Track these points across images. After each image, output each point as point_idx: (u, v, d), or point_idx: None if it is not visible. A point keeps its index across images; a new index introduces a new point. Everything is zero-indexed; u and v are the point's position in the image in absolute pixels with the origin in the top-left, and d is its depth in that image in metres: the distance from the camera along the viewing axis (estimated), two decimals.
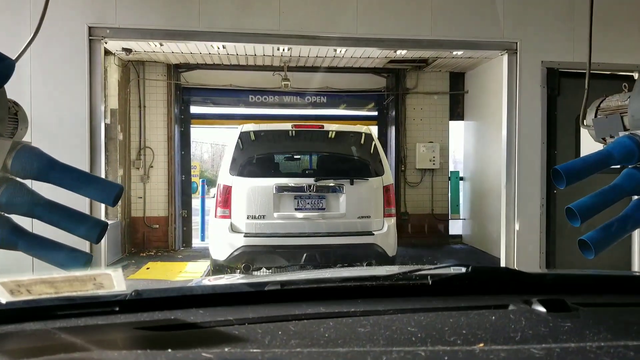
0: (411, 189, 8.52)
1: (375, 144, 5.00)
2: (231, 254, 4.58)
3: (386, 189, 4.90)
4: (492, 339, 0.77)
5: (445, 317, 0.87)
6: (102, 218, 7.32)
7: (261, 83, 8.53)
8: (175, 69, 8.19)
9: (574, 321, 0.85)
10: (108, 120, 7.52)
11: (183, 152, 8.67)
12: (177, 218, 8.35)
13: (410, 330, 0.81)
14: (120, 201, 7.66)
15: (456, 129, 8.81)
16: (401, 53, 6.96)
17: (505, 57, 4.21)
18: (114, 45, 6.91)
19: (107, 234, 6.94)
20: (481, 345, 0.74)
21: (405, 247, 8.19)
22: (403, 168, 8.49)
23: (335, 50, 6.89)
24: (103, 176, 7.39)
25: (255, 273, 4.67)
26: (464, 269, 1.05)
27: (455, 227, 8.78)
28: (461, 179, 8.75)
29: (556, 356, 0.69)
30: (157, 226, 8.11)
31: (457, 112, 8.72)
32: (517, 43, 4.19)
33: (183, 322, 0.85)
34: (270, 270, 4.84)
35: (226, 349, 0.73)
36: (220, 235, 4.73)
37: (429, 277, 1.03)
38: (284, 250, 4.64)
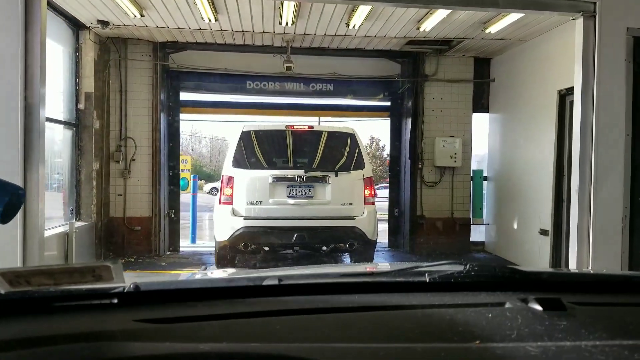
0: (429, 189, 7.52)
1: (358, 142, 5.82)
2: (233, 234, 5.41)
3: (366, 180, 5.68)
4: (488, 336, 0.78)
5: (442, 313, 0.88)
6: (73, 220, 6.36)
7: (260, 67, 7.50)
8: (162, 49, 7.16)
9: (570, 320, 0.85)
10: (82, 106, 6.50)
11: (171, 144, 7.65)
12: (163, 219, 7.34)
13: (407, 327, 0.82)
14: (94, 199, 6.67)
15: (480, 122, 7.81)
16: (425, 29, 5.94)
17: (579, 22, 3.20)
18: (88, 17, 5.88)
19: (78, 236, 5.92)
20: (477, 342, 0.74)
21: (421, 255, 7.22)
22: (420, 165, 7.49)
23: (348, 25, 5.86)
24: (67, 171, 6.47)
25: (253, 269, 5.39)
26: (461, 266, 1.05)
27: (478, 233, 7.80)
28: (485, 178, 7.75)
29: (551, 354, 0.70)
30: (139, 228, 7.10)
31: (481, 103, 7.72)
32: (595, 3, 3.18)
33: (182, 316, 0.85)
34: (267, 248, 5.66)
35: (224, 343, 0.74)
36: (223, 218, 5.57)
37: (426, 274, 1.03)
38: (277, 231, 5.45)
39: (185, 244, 8.84)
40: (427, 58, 7.44)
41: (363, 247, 5.58)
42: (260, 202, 5.48)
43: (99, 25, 6.10)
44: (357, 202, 5.58)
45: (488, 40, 6.60)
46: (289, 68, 6.77)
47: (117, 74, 7.01)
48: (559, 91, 5.86)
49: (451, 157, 7.39)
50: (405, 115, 7.77)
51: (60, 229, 5.65)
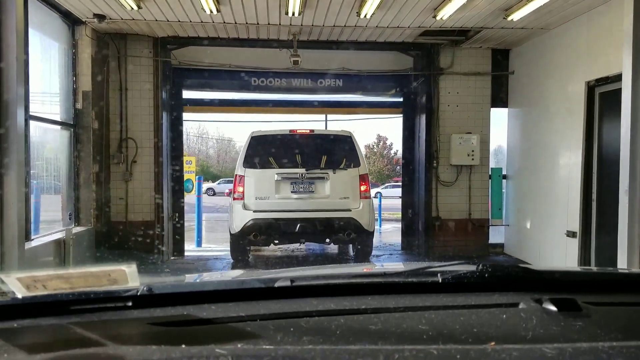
0: (445, 188, 7.12)
1: (354, 144, 6.39)
2: (244, 225, 6.04)
3: (362, 177, 6.23)
4: (503, 337, 0.77)
5: (456, 315, 0.87)
6: (70, 226, 6.04)
7: (266, 63, 7.15)
8: (163, 45, 6.83)
9: (586, 320, 0.84)
10: (79, 105, 6.19)
11: (174, 144, 7.33)
12: (166, 222, 7.02)
13: (421, 329, 0.81)
14: (94, 203, 6.36)
15: (498, 117, 7.39)
16: (442, 17, 5.54)
17: (628, 0, 2.79)
18: (84, 10, 5.57)
19: (77, 243, 5.59)
20: (492, 344, 0.74)
21: (436, 258, 6.82)
22: (435, 164, 7.09)
23: (359, 15, 5.48)
24: (65, 174, 6.14)
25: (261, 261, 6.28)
26: (473, 267, 1.04)
27: (497, 235, 7.39)
28: (504, 177, 7.33)
29: (568, 356, 0.69)
30: (142, 233, 6.78)
31: (499, 97, 7.29)
32: None
33: (196, 318, 0.85)
34: (275, 239, 6.30)
35: (239, 345, 0.74)
36: (236, 212, 6.20)
37: (439, 274, 1.02)
38: (283, 222, 6.03)
39: (190, 248, 8.53)
40: (442, 50, 7.03)
41: (359, 236, 6.16)
42: (268, 197, 6.11)
43: (95, 20, 5.78)
44: (353, 196, 6.15)
45: (508, 29, 6.18)
46: (296, 62, 6.41)
47: (116, 72, 6.69)
48: (588, 82, 5.43)
49: (468, 155, 6.98)
50: (419, 111, 7.38)
51: (57, 235, 5.34)
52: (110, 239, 6.58)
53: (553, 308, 0.87)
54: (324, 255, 7.42)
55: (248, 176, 6.14)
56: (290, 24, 5.99)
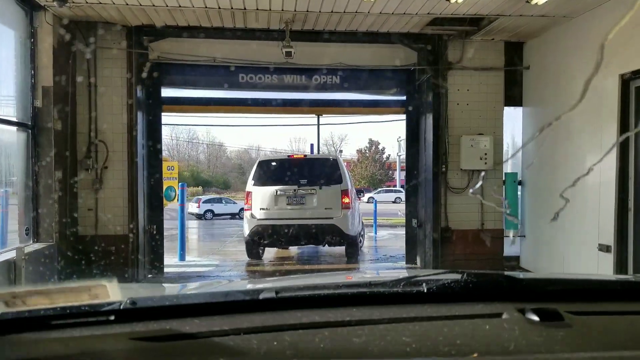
0: (455, 196, 6.40)
1: (339, 165, 7.87)
2: (250, 230, 7.62)
3: (343, 192, 7.62)
4: (486, 349, 0.78)
5: (439, 326, 0.89)
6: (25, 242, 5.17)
7: (255, 57, 6.40)
8: (138, 35, 6.04)
9: (568, 330, 0.86)
10: (39, 103, 5.37)
11: (152, 148, 6.52)
12: (142, 236, 6.20)
13: (404, 341, 0.82)
14: (56, 215, 5.52)
15: (512, 117, 6.71)
16: (457, 0, 4.84)
17: None
18: None
19: (33, 263, 4.71)
20: (475, 355, 0.75)
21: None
22: (444, 169, 6.38)
23: None
24: (21, 182, 5.25)
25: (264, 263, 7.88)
26: (459, 275, 1.05)
27: (512, 247, 6.68)
28: (519, 183, 6.65)
29: None
30: (114, 248, 5.95)
31: (513, 94, 6.62)
32: None
33: (179, 333, 0.85)
34: (280, 242, 7.84)
35: None
36: (246, 220, 7.81)
37: (423, 284, 1.03)
38: (279, 227, 7.43)
39: (172, 262, 7.71)
40: (450, 43, 6.34)
41: (341, 237, 7.61)
42: (269, 208, 7.61)
43: (55, 4, 4.98)
44: (336, 207, 7.56)
45: (527, 18, 5.51)
46: (288, 54, 5.67)
47: (83, 65, 5.89)
48: (622, 75, 4.77)
49: (481, 158, 6.28)
50: (424, 110, 6.67)
51: (6, 256, 4.50)
52: (76, 256, 5.72)
53: (535, 318, 0.88)
54: (312, 247, 8.91)
55: (255, 192, 7.71)
56: (282, 9, 5.25)
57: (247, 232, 7.69)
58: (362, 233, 8.75)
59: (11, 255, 4.48)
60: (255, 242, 7.76)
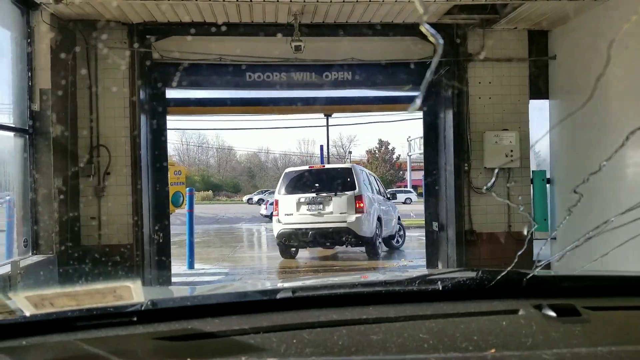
0: (479, 197, 5.99)
1: (353, 174, 9.02)
2: (279, 232, 8.97)
3: (357, 197, 8.71)
4: (503, 344, 0.78)
5: (456, 323, 0.89)
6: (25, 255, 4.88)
7: (263, 53, 6.07)
8: (141, 34, 5.75)
9: (585, 326, 0.85)
10: (36, 106, 5.09)
11: (157, 152, 6.22)
12: (148, 244, 5.89)
13: (422, 337, 0.82)
14: (57, 225, 5.23)
15: (538, 110, 6.28)
16: None
17: None
18: None
19: (32, 276, 4.39)
20: (493, 350, 0.75)
21: None
22: (466, 167, 5.97)
23: None
24: (19, 191, 4.94)
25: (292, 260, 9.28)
26: (473, 273, 1.07)
27: (542, 250, 6.22)
28: (548, 181, 6.20)
29: None
30: (118, 258, 5.64)
31: (538, 86, 6.19)
32: None
33: (200, 332, 0.87)
34: (303, 243, 9.07)
35: (243, 358, 0.75)
36: (274, 224, 9.24)
37: (439, 282, 1.04)
38: (301, 231, 8.68)
39: (180, 272, 7.41)
40: (469, 33, 5.94)
41: (354, 238, 8.60)
42: (292, 213, 8.83)
43: (52, 1, 4.70)
44: (350, 211, 8.61)
45: (554, 2, 5.09)
46: (298, 48, 5.33)
47: (83, 66, 5.60)
48: None
49: (507, 155, 5.86)
50: (443, 105, 6.27)
51: (1, 270, 4.20)
52: (78, 268, 5.42)
53: (552, 314, 0.88)
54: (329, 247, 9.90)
55: (281, 200, 9.01)
56: (291, 1, 4.90)
57: (275, 234, 9.05)
58: (400, 234, 10.43)
59: (5, 270, 4.18)
60: (284, 244, 9.05)
